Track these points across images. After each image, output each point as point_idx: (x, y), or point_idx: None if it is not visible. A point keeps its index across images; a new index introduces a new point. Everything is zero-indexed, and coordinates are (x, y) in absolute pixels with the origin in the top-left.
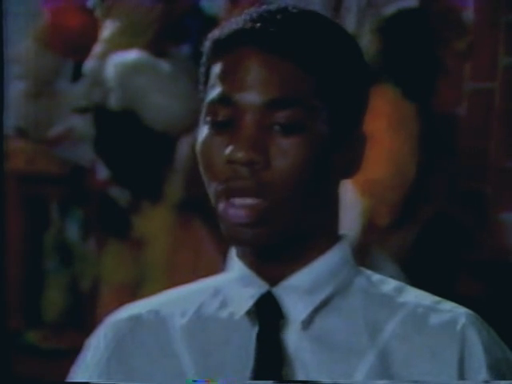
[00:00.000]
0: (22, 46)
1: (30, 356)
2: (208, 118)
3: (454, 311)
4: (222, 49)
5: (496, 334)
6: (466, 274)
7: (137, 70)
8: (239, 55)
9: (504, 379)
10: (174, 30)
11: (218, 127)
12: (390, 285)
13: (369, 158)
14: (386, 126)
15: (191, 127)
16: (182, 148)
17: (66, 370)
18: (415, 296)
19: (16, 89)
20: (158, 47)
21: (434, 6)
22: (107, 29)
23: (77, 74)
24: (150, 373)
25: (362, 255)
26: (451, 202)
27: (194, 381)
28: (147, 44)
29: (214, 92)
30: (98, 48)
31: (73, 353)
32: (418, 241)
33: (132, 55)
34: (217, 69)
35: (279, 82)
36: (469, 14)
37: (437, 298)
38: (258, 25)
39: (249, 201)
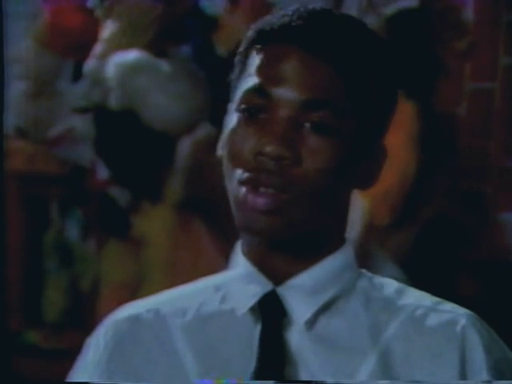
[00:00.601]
0: (22, 46)
1: (30, 356)
2: (242, 107)
3: (454, 312)
4: (265, 40)
5: (496, 334)
6: (466, 274)
7: (137, 70)
8: (282, 50)
9: (505, 379)
10: (173, 30)
11: (249, 117)
12: (391, 287)
13: None
14: None
15: (191, 127)
16: (182, 148)
17: (66, 370)
18: (416, 297)
19: (16, 89)
20: (158, 47)
21: (434, 6)
22: (107, 29)
23: (77, 74)
24: (151, 372)
25: (363, 256)
26: (451, 202)
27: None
28: (147, 44)
29: (251, 81)
30: (98, 48)
31: (73, 353)
32: (418, 241)
33: (132, 55)
34: (256, 59)
35: (316, 83)
36: (469, 13)
37: (437, 299)
38: (307, 24)
39: (271, 191)
